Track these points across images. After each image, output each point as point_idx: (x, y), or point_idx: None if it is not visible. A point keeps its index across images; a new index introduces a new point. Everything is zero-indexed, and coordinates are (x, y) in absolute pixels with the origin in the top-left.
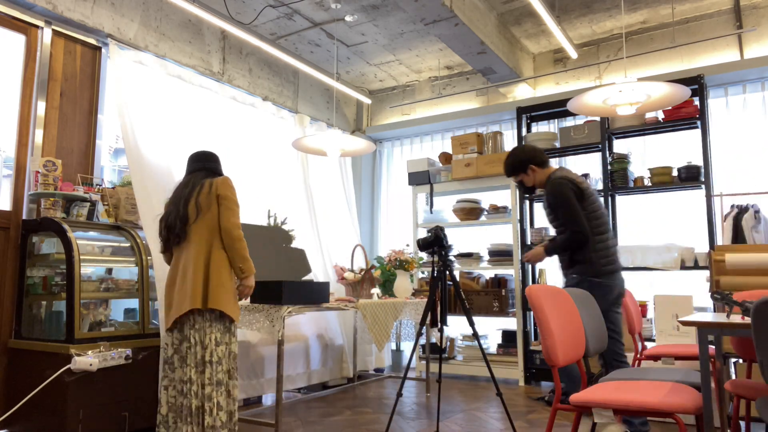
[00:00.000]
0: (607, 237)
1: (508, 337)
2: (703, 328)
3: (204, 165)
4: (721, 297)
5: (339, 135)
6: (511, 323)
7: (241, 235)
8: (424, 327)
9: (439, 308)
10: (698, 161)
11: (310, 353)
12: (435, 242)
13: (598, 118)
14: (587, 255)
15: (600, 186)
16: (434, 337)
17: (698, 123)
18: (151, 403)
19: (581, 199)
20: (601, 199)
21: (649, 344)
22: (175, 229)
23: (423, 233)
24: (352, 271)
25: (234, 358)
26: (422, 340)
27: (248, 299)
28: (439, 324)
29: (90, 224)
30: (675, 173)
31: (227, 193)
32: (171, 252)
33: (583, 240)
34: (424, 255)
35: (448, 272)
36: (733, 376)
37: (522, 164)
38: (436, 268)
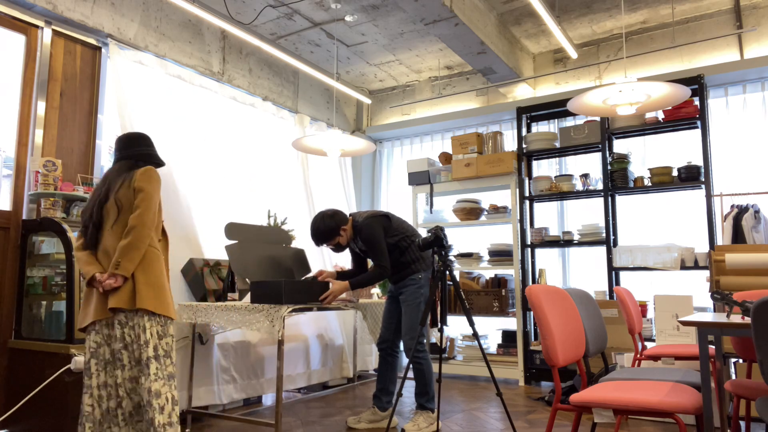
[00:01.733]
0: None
1: (508, 337)
2: (703, 328)
3: (130, 152)
4: (721, 297)
5: (339, 135)
6: (511, 323)
7: (143, 236)
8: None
9: (439, 308)
10: (698, 161)
11: (310, 353)
12: (435, 242)
13: (598, 118)
14: (414, 256)
15: (600, 186)
16: (434, 337)
17: (698, 123)
18: None
19: (389, 222)
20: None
21: (649, 344)
22: (87, 232)
23: (423, 233)
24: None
25: (174, 353)
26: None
27: (112, 292)
28: (439, 324)
29: None
30: (675, 173)
31: (143, 185)
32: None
33: (387, 275)
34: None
35: (448, 272)
36: (733, 376)
37: (336, 229)
38: (436, 268)
